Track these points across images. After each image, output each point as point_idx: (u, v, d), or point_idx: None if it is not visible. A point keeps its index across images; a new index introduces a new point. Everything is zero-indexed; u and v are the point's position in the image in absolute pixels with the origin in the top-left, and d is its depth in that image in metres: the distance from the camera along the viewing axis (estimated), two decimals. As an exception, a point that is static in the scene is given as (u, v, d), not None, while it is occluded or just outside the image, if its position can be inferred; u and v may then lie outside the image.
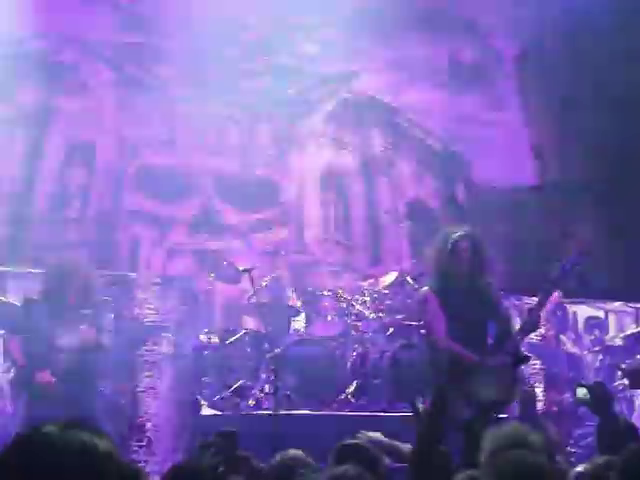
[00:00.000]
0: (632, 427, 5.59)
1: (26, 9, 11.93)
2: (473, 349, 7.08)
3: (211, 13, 12.63)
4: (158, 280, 10.83)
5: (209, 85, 13.05)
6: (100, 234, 12.58)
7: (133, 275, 11.10)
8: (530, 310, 7.30)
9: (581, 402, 5.99)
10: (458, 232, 7.33)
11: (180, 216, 12.91)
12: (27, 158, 12.51)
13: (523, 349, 7.72)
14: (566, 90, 13.65)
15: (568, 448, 9.50)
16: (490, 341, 7.34)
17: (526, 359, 7.56)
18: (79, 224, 12.56)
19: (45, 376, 8.12)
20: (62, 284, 8.35)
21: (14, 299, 9.81)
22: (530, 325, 7.25)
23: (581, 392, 5.86)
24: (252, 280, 9.90)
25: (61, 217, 12.54)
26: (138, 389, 10.05)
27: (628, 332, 11.56)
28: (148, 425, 9.95)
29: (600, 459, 4.39)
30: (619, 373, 8.78)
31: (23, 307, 8.60)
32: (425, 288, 7.43)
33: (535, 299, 7.40)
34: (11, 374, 9.06)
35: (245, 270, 9.98)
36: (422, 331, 9.40)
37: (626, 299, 12.28)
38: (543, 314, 7.61)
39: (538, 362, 10.82)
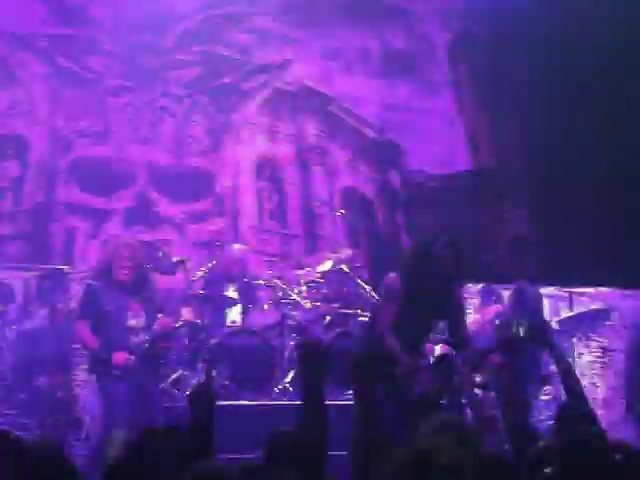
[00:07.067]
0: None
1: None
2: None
3: (142, 3, 12.60)
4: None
5: (142, 76, 13.01)
6: (34, 227, 12.48)
7: (68, 268, 11.00)
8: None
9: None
10: (442, 239, 6.92)
11: (115, 208, 12.84)
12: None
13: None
14: (499, 76, 13.81)
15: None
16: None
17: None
18: (12, 218, 12.44)
19: (121, 356, 7.94)
20: (109, 262, 8.14)
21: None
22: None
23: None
24: (187, 271, 9.90)
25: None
26: (74, 383, 9.99)
27: (563, 316, 11.65)
28: (86, 419, 9.88)
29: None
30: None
31: (86, 292, 8.28)
32: (393, 274, 7.15)
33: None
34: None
35: (180, 261, 9.96)
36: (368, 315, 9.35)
37: (556, 284, 12.34)
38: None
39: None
